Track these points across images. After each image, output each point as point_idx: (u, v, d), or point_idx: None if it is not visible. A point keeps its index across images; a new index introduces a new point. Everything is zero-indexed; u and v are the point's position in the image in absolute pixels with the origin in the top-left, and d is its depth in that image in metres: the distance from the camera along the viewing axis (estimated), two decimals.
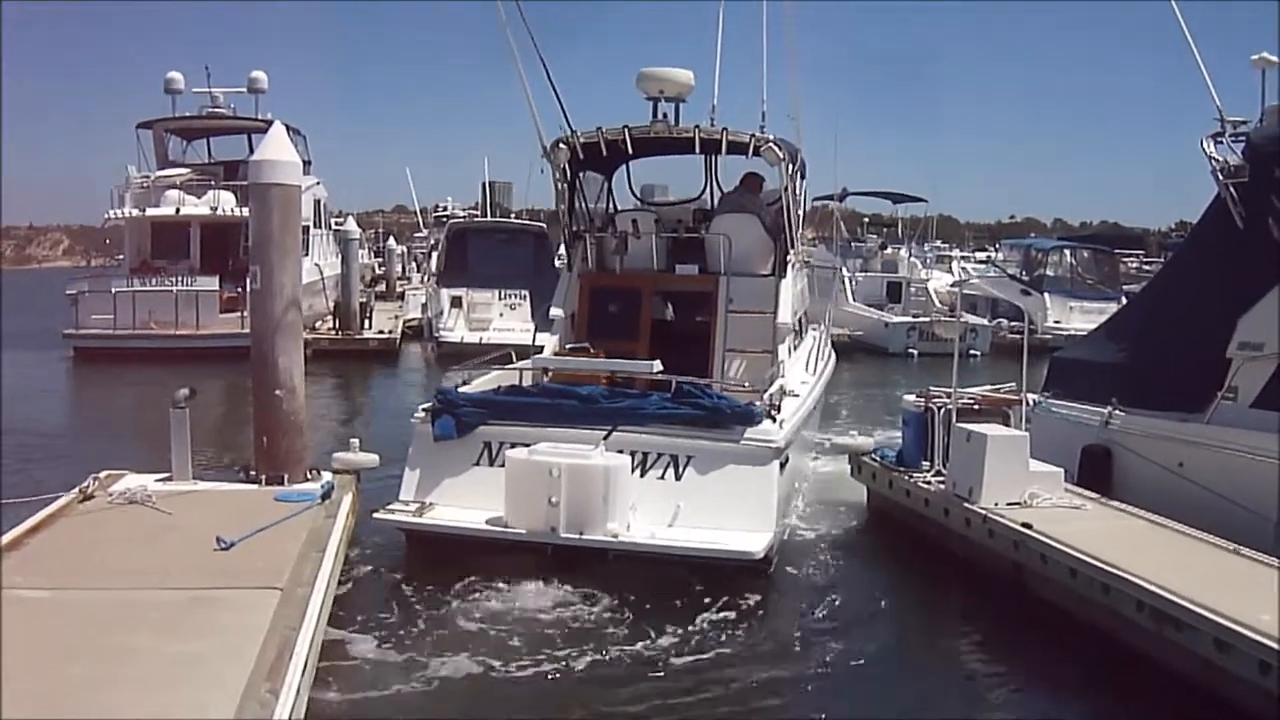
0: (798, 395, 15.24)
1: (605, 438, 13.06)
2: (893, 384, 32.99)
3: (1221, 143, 14.36)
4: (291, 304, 13.42)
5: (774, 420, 13.50)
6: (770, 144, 16.86)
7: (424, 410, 13.93)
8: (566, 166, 17.44)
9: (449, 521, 13.06)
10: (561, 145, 17.05)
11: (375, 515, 13.20)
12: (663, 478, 13.20)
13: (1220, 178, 14.12)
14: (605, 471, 12.45)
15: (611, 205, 19.45)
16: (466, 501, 13.27)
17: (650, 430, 13.35)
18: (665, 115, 17.33)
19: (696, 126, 17.16)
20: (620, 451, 12.90)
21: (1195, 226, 16.52)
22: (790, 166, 17.31)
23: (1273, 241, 13.11)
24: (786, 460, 13.72)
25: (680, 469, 13.17)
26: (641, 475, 13.09)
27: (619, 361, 15.32)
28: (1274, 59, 14.96)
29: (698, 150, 18.12)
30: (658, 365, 14.50)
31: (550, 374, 15.36)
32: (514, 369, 15.76)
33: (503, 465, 13.01)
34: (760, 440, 13.18)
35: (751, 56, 18.96)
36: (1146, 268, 70.62)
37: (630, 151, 18.19)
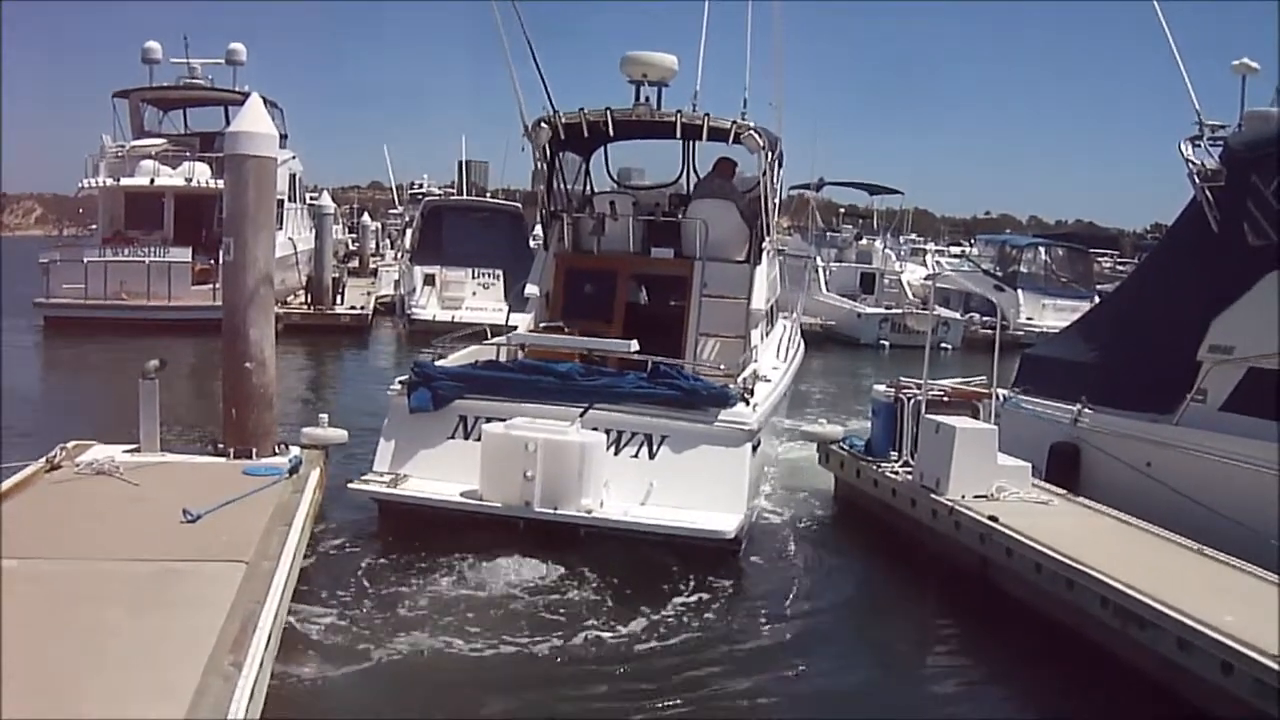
0: (769, 380, 15.35)
1: (581, 415, 13.26)
2: (863, 375, 33.13)
3: (1199, 146, 14.40)
4: (264, 277, 13.35)
5: (747, 403, 13.65)
6: (751, 131, 16.93)
7: (400, 383, 14.01)
8: (547, 146, 17.52)
9: (423, 493, 13.12)
10: (543, 124, 17.13)
11: (350, 485, 13.30)
12: (636, 456, 13.35)
13: (1197, 181, 14.14)
14: (581, 448, 12.60)
15: (589, 187, 19.49)
16: (441, 474, 13.35)
17: (626, 409, 13.51)
18: (648, 99, 17.45)
19: (678, 111, 17.23)
20: (595, 429, 13.08)
21: (1170, 229, 16.57)
22: (769, 154, 17.34)
23: (1247, 246, 13.17)
24: (758, 443, 13.86)
25: (654, 448, 13.35)
26: (616, 453, 13.24)
27: (596, 340, 15.46)
28: (1255, 65, 15.07)
29: (678, 135, 18.17)
30: (634, 345, 14.67)
31: (525, 350, 15.42)
32: (491, 344, 15.79)
33: (478, 439, 13.14)
34: (734, 422, 13.36)
35: (735, 44, 18.93)
36: (1120, 268, 70.98)
37: (611, 134, 18.20)
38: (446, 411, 13.77)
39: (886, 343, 41.76)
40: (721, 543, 12.53)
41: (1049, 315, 42.37)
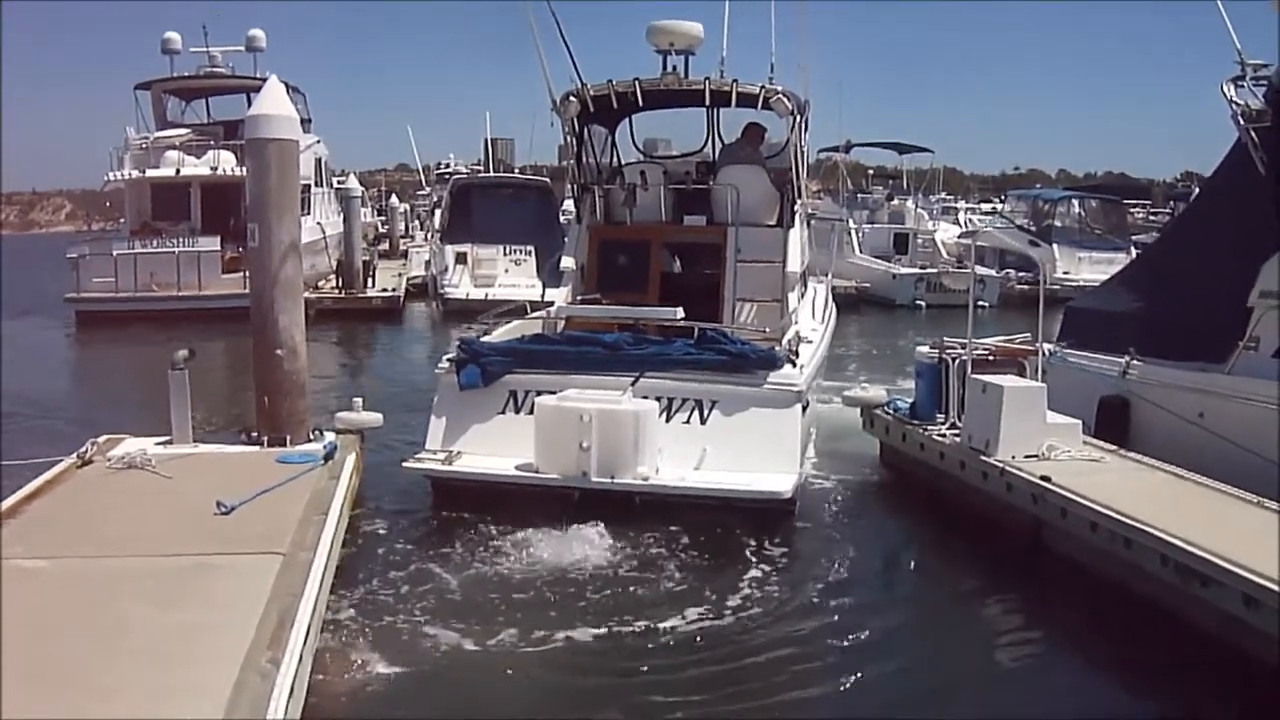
0: (810, 342, 15.39)
1: (633, 384, 13.29)
2: (900, 336, 32.85)
3: (1242, 86, 14.04)
4: (291, 261, 13.14)
5: (794, 365, 13.72)
6: (780, 95, 16.90)
7: (448, 360, 14.05)
8: (575, 119, 17.53)
9: (478, 469, 13.17)
10: (571, 98, 17.14)
11: (404, 464, 13.36)
12: (688, 422, 13.41)
13: (1241, 122, 13.80)
14: (635, 416, 12.71)
15: (616, 158, 19.44)
16: (493, 449, 13.37)
17: (675, 376, 13.51)
18: (675, 68, 17.40)
19: (706, 79, 17.21)
20: (645, 397, 13.10)
21: (1214, 173, 16.17)
22: (798, 117, 17.26)
23: None
24: (807, 404, 13.88)
25: (705, 413, 13.41)
26: (667, 420, 13.28)
27: (642, 309, 15.40)
28: None
29: (707, 102, 18.16)
30: (680, 312, 14.71)
31: (569, 323, 15.52)
32: (534, 319, 15.90)
33: (529, 413, 13.27)
34: (783, 384, 13.44)
35: (760, 9, 18.71)
36: (1153, 218, 70.50)
37: (640, 104, 18.11)
38: (496, 387, 13.77)
39: (923, 303, 41.34)
40: (778, 503, 12.58)
41: (1085, 268, 41.84)
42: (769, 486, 12.60)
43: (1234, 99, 13.96)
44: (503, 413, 13.75)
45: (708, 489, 12.68)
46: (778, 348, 14.03)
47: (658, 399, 13.23)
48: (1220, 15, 14.55)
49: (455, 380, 13.74)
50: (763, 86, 16.96)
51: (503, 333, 15.41)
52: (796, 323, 15.71)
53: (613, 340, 14.08)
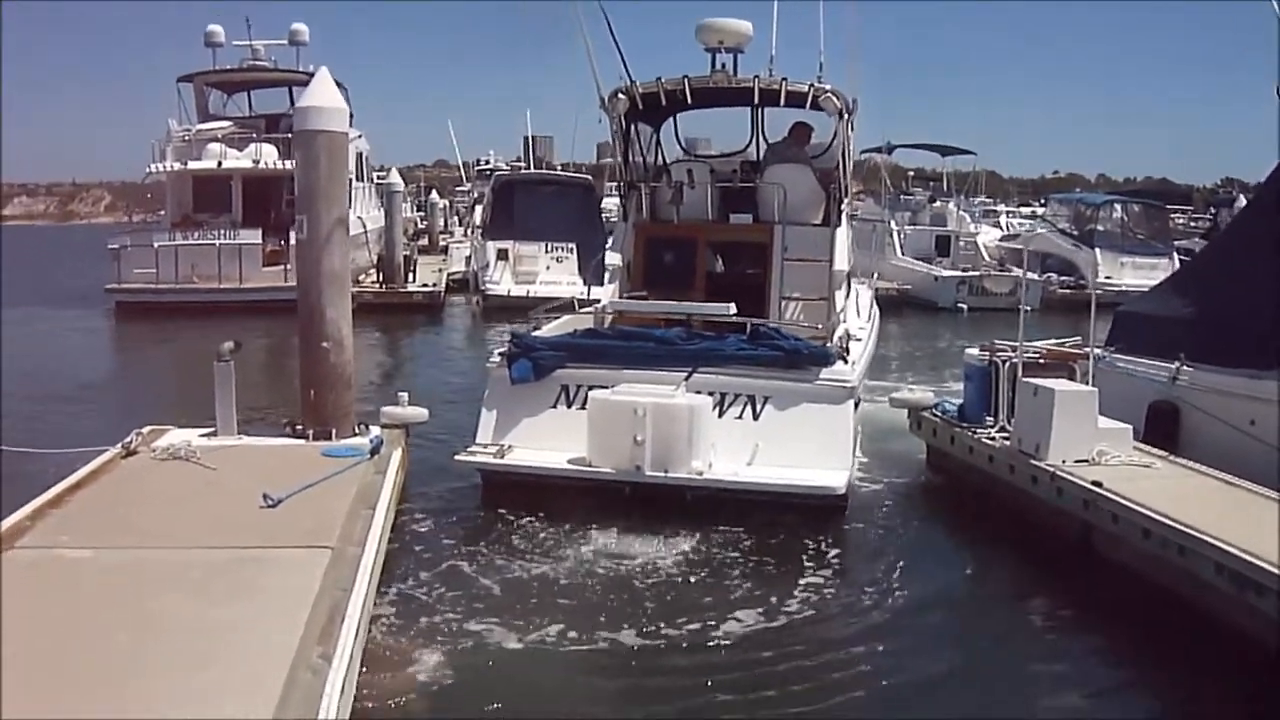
0: (859, 340, 15.38)
1: (686, 378, 13.24)
2: (942, 338, 32.81)
3: None
4: (339, 253, 13.14)
5: (845, 362, 13.70)
6: (829, 93, 16.91)
7: (499, 355, 14.06)
8: (623, 117, 17.54)
9: (530, 462, 13.17)
10: (620, 95, 17.18)
11: (456, 458, 13.36)
12: (740, 417, 13.37)
13: None
14: (690, 410, 12.71)
15: (660, 157, 19.41)
16: (545, 444, 13.36)
17: (728, 371, 13.51)
18: (724, 66, 17.37)
19: (756, 77, 17.19)
20: (698, 392, 13.07)
21: (1269, 178, 15.96)
22: (846, 117, 17.23)
23: None
24: (858, 401, 13.95)
25: (758, 409, 13.40)
26: (720, 415, 13.23)
27: (695, 304, 15.34)
28: None
29: (756, 101, 18.11)
30: (732, 307, 14.68)
31: (620, 318, 15.63)
32: (585, 314, 15.91)
33: (581, 407, 13.31)
34: (836, 380, 13.45)
35: (808, 6, 18.62)
36: (1194, 224, 70.10)
37: (689, 102, 18.07)
38: (547, 381, 13.74)
39: (964, 305, 41.02)
40: (831, 499, 12.62)
41: (1128, 273, 41.52)
42: (823, 482, 12.61)
43: None
44: (554, 407, 13.72)
45: (761, 484, 12.66)
46: (829, 344, 14.02)
47: (710, 394, 13.16)
48: (1276, 18, 14.40)
49: (506, 374, 13.71)
50: (811, 85, 16.93)
51: (553, 328, 15.38)
52: (845, 321, 15.67)
53: (665, 335, 14.08)
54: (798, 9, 19.31)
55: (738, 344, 13.88)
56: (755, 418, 13.35)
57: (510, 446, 13.45)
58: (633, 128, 18.20)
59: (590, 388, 13.30)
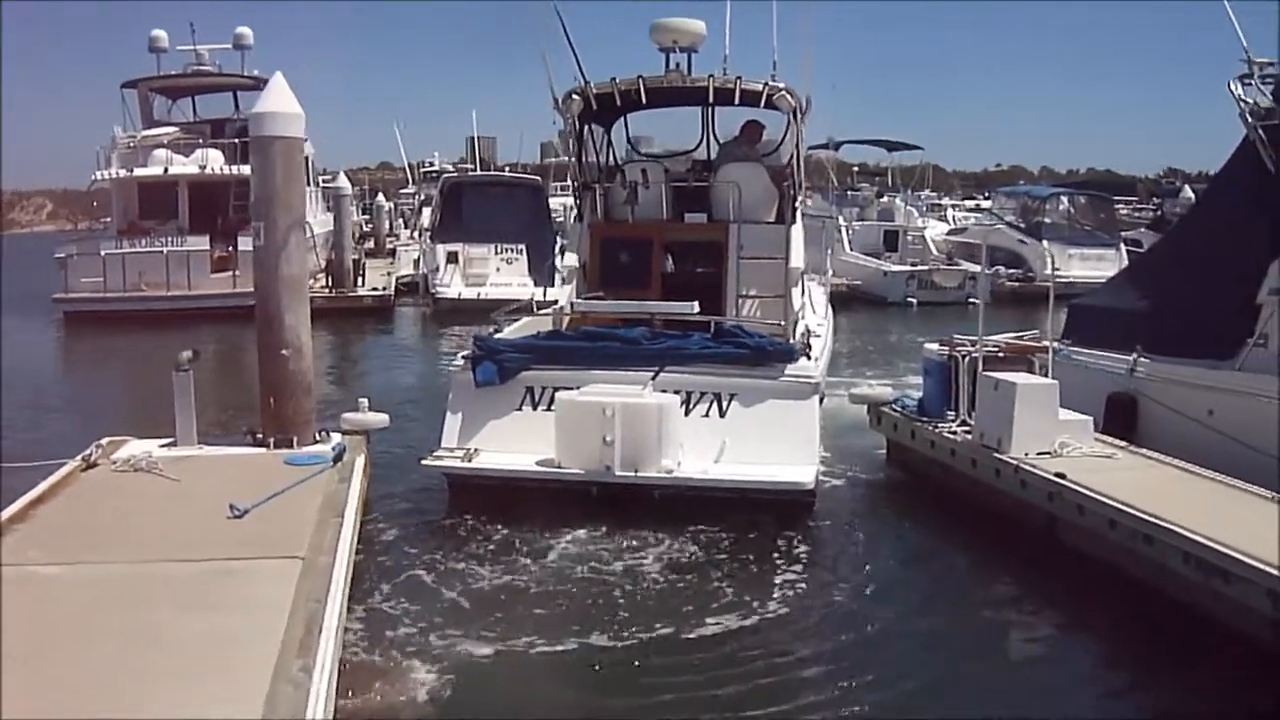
0: (819, 336, 15.52)
1: (653, 377, 13.33)
2: (892, 332, 32.94)
3: (1250, 84, 14.09)
4: (297, 259, 12.99)
5: (809, 358, 13.79)
6: (783, 92, 16.98)
7: (463, 358, 14.02)
8: (577, 118, 17.55)
9: (499, 465, 13.20)
10: (575, 96, 17.17)
11: (423, 462, 13.32)
12: (707, 415, 13.44)
13: (1250, 120, 13.86)
14: (659, 409, 12.78)
15: (612, 156, 19.43)
16: (512, 446, 13.36)
17: (693, 369, 13.58)
18: (678, 66, 17.43)
19: (710, 76, 17.22)
20: (664, 390, 13.11)
21: (1222, 170, 16.14)
22: (799, 115, 17.30)
23: None
24: (822, 397, 14.06)
25: (724, 406, 13.49)
26: (686, 413, 13.27)
27: (659, 304, 15.36)
28: None
29: (711, 100, 18.18)
30: (695, 306, 14.70)
31: (584, 319, 15.57)
32: (545, 315, 15.96)
33: (547, 409, 13.38)
34: (800, 376, 13.54)
35: (762, 5, 18.69)
36: (1138, 215, 70.65)
37: (644, 102, 18.06)
38: (512, 383, 13.74)
39: (914, 300, 41.28)
40: (801, 495, 12.71)
41: (1075, 265, 41.69)
42: (792, 478, 12.71)
43: (1242, 97, 14.03)
44: (520, 409, 13.72)
45: (731, 481, 12.72)
46: (793, 341, 14.14)
47: (676, 392, 13.19)
48: (1227, 14, 14.59)
49: (471, 377, 13.68)
50: (766, 84, 16.97)
51: (514, 330, 15.39)
52: (804, 318, 15.77)
53: (630, 335, 14.10)
54: (751, 8, 19.38)
55: (702, 342, 13.92)
56: (721, 415, 13.40)
57: (477, 450, 13.40)
58: (585, 128, 18.19)
59: (556, 389, 13.33)
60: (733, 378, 13.48)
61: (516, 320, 15.92)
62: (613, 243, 17.74)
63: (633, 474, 12.55)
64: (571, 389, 13.12)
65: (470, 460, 13.24)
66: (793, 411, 13.35)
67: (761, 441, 13.10)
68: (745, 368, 13.53)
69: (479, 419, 13.71)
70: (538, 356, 13.87)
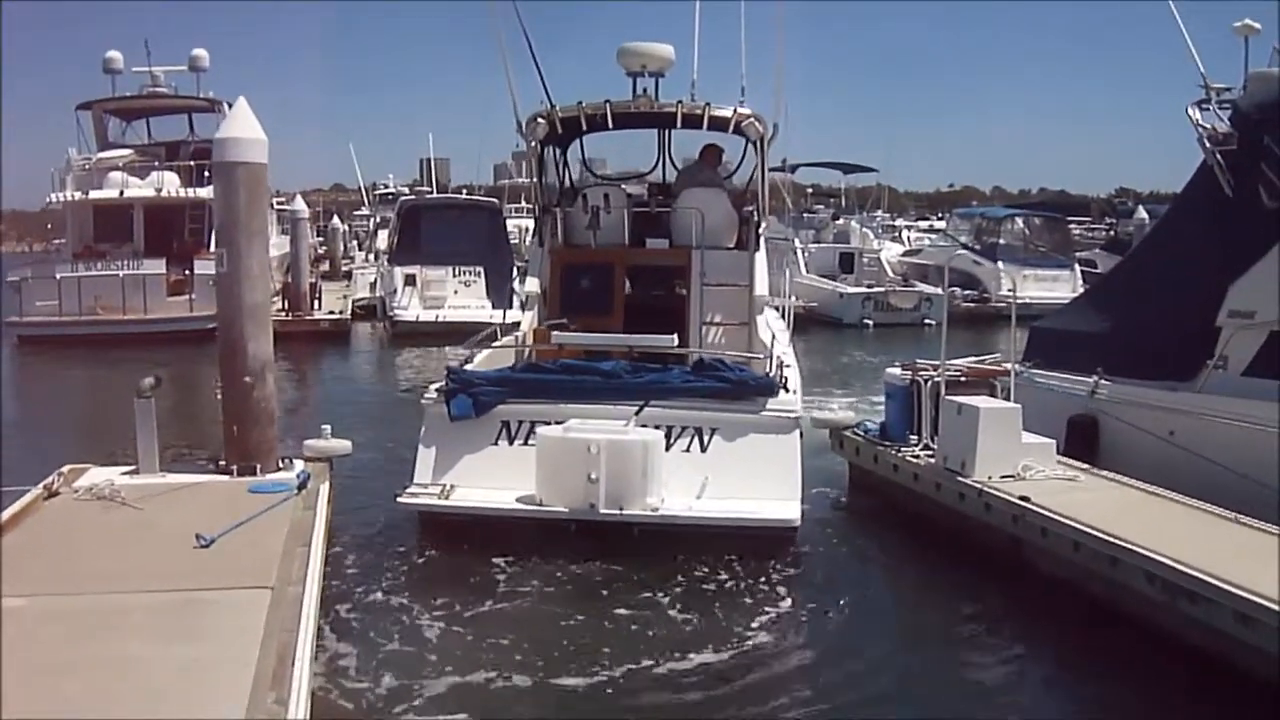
0: (790, 366, 15.18)
1: (637, 413, 13.03)
2: (849, 355, 33.08)
3: (1207, 110, 14.24)
4: (260, 287, 12.95)
5: (788, 390, 13.64)
6: (752, 119, 16.85)
7: (436, 391, 13.59)
8: (540, 141, 17.33)
9: (477, 503, 12.82)
10: (540, 120, 16.93)
11: (398, 500, 12.91)
12: (688, 450, 13.19)
13: (1208, 145, 14.00)
14: (644, 446, 12.47)
15: (568, 179, 19.35)
16: (487, 482, 13.02)
17: (673, 403, 13.29)
18: (645, 90, 17.22)
19: (679, 102, 17.03)
20: (644, 425, 12.86)
21: (1181, 194, 16.33)
22: (766, 141, 17.18)
23: (1262, 209, 12.99)
24: (802, 430, 13.80)
25: (705, 441, 13.22)
26: (667, 448, 12.92)
27: (639, 336, 14.90)
28: (1257, 26, 14.92)
29: (679, 125, 17.95)
30: (675, 339, 14.68)
31: (530, 352, 15.27)
32: (504, 346, 15.73)
33: (524, 444, 13.11)
34: (782, 410, 13.37)
35: (729, 30, 18.65)
36: (1091, 235, 71.09)
37: (611, 126, 17.81)
38: (488, 417, 13.37)
39: (870, 322, 41.38)
40: (786, 531, 12.54)
41: (1030, 285, 41.90)
42: (779, 514, 12.50)
43: (1200, 122, 14.17)
44: (495, 444, 13.37)
45: (718, 518, 12.50)
46: (771, 373, 13.95)
47: (657, 427, 12.94)
48: (1184, 39, 14.72)
49: (445, 411, 13.34)
50: (735, 110, 16.87)
51: (481, 360, 15.10)
52: (775, 347, 15.58)
53: (612, 369, 13.80)
54: (718, 31, 19.31)
55: (684, 376, 13.77)
56: (703, 450, 13.18)
57: (452, 486, 13.03)
58: (545, 150, 18.00)
59: (534, 423, 13.07)
60: (714, 412, 13.26)
61: (484, 350, 15.62)
62: (574, 269, 17.52)
63: (618, 512, 12.30)
64: (549, 423, 12.84)
65: (447, 497, 12.87)
66: (774, 445, 13.14)
67: (744, 477, 12.87)
68: (726, 402, 13.33)
69: (453, 453, 13.32)
70: (514, 389, 13.55)
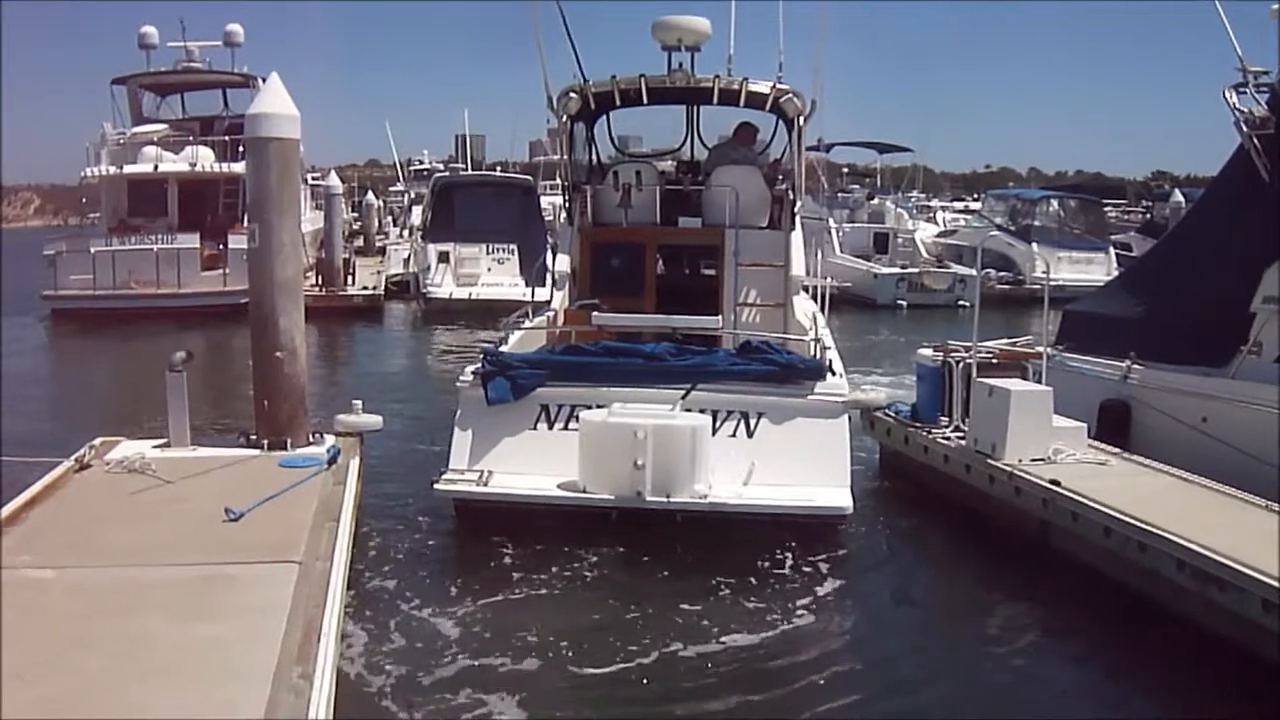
0: (830, 347, 14.64)
1: (684, 396, 12.67)
2: (882, 335, 32.95)
3: (1244, 93, 14.11)
4: (292, 262, 12.93)
5: (834, 373, 13.28)
6: (790, 95, 16.61)
7: (472, 373, 13.12)
8: (571, 117, 17.15)
9: (518, 489, 12.39)
10: (572, 95, 16.75)
11: (435, 487, 12.48)
12: (734, 435, 12.75)
13: (1244, 129, 13.89)
14: (692, 431, 12.03)
15: (595, 156, 19.19)
16: (526, 467, 12.61)
17: (718, 387, 12.87)
18: (681, 65, 16.92)
19: (716, 77, 16.81)
20: (689, 409, 12.51)
21: (1216, 178, 16.21)
22: (802, 119, 16.95)
23: None
24: (851, 415, 13.45)
25: (752, 426, 12.78)
26: (713, 433, 12.48)
27: (682, 318, 14.51)
28: None
29: (715, 101, 17.75)
30: (719, 320, 14.43)
31: (603, 332, 14.56)
32: (535, 328, 15.34)
33: (564, 428, 12.73)
34: (831, 394, 12.98)
35: (768, 6, 18.45)
36: (1126, 218, 70.72)
37: (645, 102, 17.69)
38: (526, 400, 12.91)
39: (904, 302, 41.26)
40: (837, 519, 12.29)
41: (1064, 268, 41.69)
42: (830, 502, 12.17)
43: (1237, 105, 14.04)
44: (534, 428, 12.92)
45: (769, 506, 12.10)
46: (818, 355, 13.57)
47: (700, 411, 12.51)
48: (1222, 22, 14.59)
49: (481, 394, 12.87)
50: (774, 86, 16.65)
51: (516, 341, 14.69)
52: (817, 329, 15.17)
53: (655, 350, 13.36)
54: (756, 6, 19.07)
55: (730, 359, 13.33)
56: (750, 434, 12.75)
57: (490, 472, 12.57)
58: (575, 127, 17.83)
59: (574, 407, 12.72)
60: (760, 395, 12.81)
61: (519, 330, 15.29)
62: (605, 247, 17.30)
63: (665, 499, 11.87)
64: (590, 407, 12.49)
65: (486, 483, 12.41)
66: (823, 430, 12.74)
67: (791, 462, 12.46)
68: (773, 385, 12.88)
69: (489, 438, 12.85)
70: (554, 372, 13.08)
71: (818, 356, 13.52)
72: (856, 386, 16.65)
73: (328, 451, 12.31)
